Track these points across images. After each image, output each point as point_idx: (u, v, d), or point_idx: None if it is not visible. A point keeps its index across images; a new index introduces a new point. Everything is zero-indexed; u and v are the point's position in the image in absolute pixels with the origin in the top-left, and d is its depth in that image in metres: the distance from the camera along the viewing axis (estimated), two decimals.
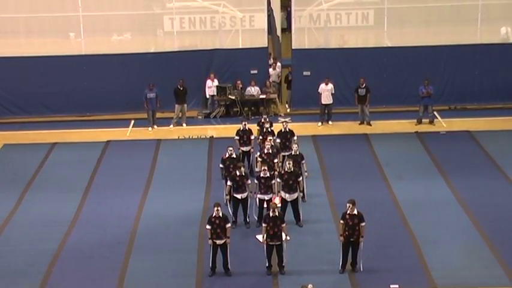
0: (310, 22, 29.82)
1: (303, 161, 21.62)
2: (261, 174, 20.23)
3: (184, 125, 28.48)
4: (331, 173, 23.74)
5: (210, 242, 17.91)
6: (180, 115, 28.51)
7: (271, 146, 22.02)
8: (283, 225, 17.93)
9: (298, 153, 21.62)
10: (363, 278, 17.73)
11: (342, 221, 17.79)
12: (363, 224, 17.70)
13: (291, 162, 20.39)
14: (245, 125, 23.51)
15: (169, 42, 30.08)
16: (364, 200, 19.80)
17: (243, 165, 20.84)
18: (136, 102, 28.14)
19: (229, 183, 20.26)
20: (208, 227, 17.90)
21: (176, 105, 28.33)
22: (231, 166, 20.99)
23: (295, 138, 23.00)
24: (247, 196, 20.24)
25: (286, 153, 22.33)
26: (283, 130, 23.18)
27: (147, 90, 27.83)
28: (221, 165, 21.79)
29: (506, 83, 29.65)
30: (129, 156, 25.67)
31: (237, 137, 23.39)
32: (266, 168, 20.22)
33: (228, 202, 20.41)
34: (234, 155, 21.66)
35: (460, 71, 29.66)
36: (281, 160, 22.11)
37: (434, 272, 17.83)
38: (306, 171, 21.61)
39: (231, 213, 20.09)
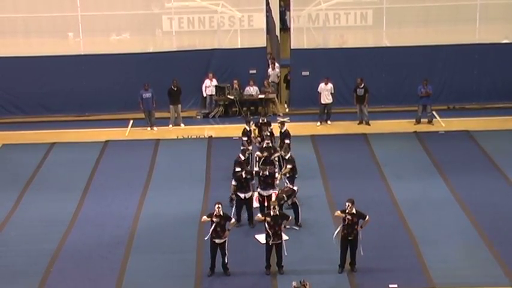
0: (309, 22, 29.82)
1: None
2: (261, 172, 20.30)
3: (182, 125, 28.45)
4: (329, 173, 23.73)
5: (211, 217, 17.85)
6: (175, 115, 28.51)
7: (269, 145, 22.06)
8: (290, 218, 18.17)
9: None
10: (361, 277, 17.73)
11: (339, 212, 17.86)
12: (366, 218, 17.72)
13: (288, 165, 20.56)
14: (249, 124, 23.59)
15: (167, 42, 30.07)
16: (363, 200, 19.77)
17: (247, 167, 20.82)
18: (135, 102, 28.08)
19: (234, 182, 20.29)
20: (207, 218, 17.92)
21: (171, 106, 28.28)
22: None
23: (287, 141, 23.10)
24: (251, 196, 20.27)
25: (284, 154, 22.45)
26: (281, 131, 23.22)
27: (142, 91, 27.77)
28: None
29: (504, 82, 29.65)
30: (127, 156, 25.64)
31: (244, 138, 23.38)
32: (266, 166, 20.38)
33: (232, 201, 20.46)
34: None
35: (459, 71, 29.66)
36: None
37: (433, 272, 17.83)
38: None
39: (233, 212, 20.04)
